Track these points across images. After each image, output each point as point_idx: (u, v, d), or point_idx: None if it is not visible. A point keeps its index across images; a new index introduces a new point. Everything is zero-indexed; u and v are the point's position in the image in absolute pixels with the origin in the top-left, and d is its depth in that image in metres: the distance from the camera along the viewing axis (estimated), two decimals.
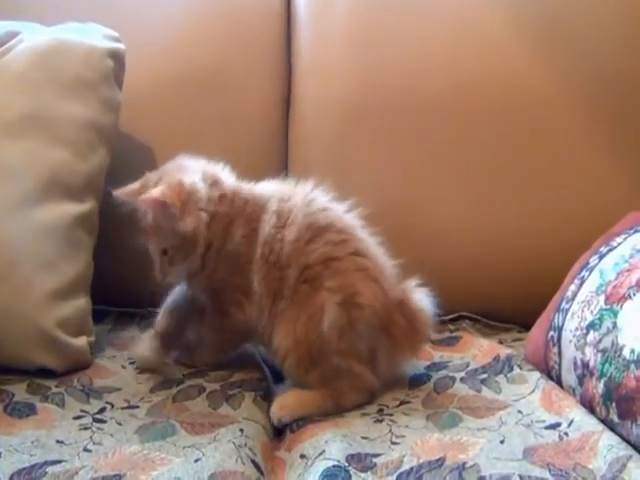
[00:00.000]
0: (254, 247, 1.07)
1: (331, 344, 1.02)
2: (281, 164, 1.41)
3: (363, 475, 0.85)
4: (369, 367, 1.05)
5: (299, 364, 1.04)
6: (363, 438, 0.94)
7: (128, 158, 1.34)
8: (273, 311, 1.06)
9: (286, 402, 1.03)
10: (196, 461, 0.86)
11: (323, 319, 1.02)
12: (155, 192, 1.04)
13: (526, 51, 1.38)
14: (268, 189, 1.12)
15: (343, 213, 1.10)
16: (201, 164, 1.11)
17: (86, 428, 0.95)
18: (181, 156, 1.12)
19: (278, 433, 1.01)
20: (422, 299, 1.08)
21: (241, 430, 0.94)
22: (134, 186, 1.09)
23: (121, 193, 1.09)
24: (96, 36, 1.28)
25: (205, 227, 1.06)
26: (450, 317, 1.33)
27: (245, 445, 0.90)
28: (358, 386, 1.04)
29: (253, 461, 0.88)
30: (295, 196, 1.09)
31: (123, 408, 1.01)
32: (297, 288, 1.04)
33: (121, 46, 1.29)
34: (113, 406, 1.02)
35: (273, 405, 1.03)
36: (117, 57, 1.28)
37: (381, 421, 0.99)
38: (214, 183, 1.09)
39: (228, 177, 1.12)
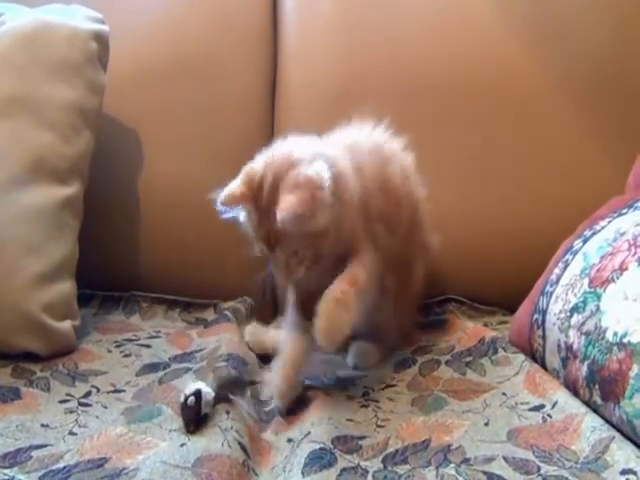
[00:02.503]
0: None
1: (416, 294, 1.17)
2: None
3: (349, 457, 0.86)
4: None
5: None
6: (349, 420, 0.94)
7: (112, 142, 1.34)
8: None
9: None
10: (182, 445, 0.86)
11: (414, 272, 1.15)
12: (289, 203, 0.90)
13: (512, 34, 1.38)
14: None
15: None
16: (311, 143, 1.01)
17: (71, 411, 0.96)
18: (285, 140, 1.02)
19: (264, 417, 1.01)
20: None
21: (227, 412, 0.94)
22: (238, 188, 0.96)
23: (227, 198, 0.95)
24: (80, 18, 1.27)
25: (332, 215, 0.95)
26: (437, 299, 1.34)
27: (232, 428, 0.90)
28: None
29: (240, 443, 0.88)
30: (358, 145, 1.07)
31: (109, 392, 1.02)
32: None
33: (105, 28, 1.28)
34: (99, 390, 1.02)
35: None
36: (101, 39, 1.27)
37: (367, 406, 0.99)
38: (332, 164, 0.97)
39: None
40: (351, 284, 0.97)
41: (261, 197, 0.95)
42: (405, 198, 1.10)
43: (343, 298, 0.95)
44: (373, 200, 1.03)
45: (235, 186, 0.95)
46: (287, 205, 0.90)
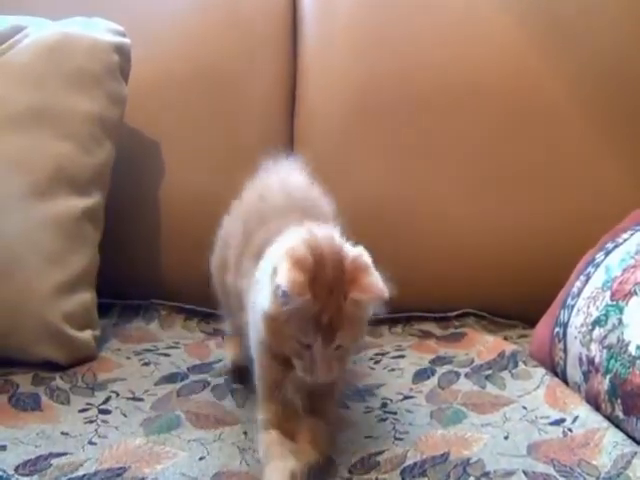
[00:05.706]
0: None
1: None
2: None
3: (366, 477, 0.85)
4: None
5: None
6: (367, 437, 0.93)
7: (133, 152, 1.35)
8: None
9: None
10: (201, 459, 0.86)
11: None
12: (377, 286, 0.83)
13: (529, 48, 1.38)
14: None
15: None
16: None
17: (91, 421, 0.96)
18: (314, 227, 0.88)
19: None
20: None
21: (245, 433, 0.94)
22: (301, 276, 0.81)
23: (299, 287, 0.80)
24: (102, 30, 1.28)
25: None
26: (455, 313, 1.33)
27: (249, 448, 0.90)
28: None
29: (259, 461, 0.87)
30: None
31: (128, 399, 1.02)
32: None
33: (126, 40, 1.29)
34: (118, 395, 1.02)
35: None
36: (123, 51, 1.28)
37: (385, 419, 0.98)
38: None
39: None
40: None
41: (321, 284, 0.82)
42: None
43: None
44: None
45: (296, 275, 0.81)
46: (375, 288, 0.83)
